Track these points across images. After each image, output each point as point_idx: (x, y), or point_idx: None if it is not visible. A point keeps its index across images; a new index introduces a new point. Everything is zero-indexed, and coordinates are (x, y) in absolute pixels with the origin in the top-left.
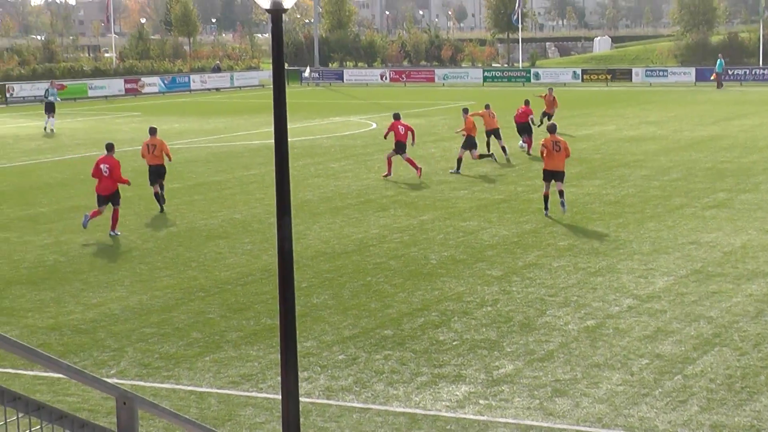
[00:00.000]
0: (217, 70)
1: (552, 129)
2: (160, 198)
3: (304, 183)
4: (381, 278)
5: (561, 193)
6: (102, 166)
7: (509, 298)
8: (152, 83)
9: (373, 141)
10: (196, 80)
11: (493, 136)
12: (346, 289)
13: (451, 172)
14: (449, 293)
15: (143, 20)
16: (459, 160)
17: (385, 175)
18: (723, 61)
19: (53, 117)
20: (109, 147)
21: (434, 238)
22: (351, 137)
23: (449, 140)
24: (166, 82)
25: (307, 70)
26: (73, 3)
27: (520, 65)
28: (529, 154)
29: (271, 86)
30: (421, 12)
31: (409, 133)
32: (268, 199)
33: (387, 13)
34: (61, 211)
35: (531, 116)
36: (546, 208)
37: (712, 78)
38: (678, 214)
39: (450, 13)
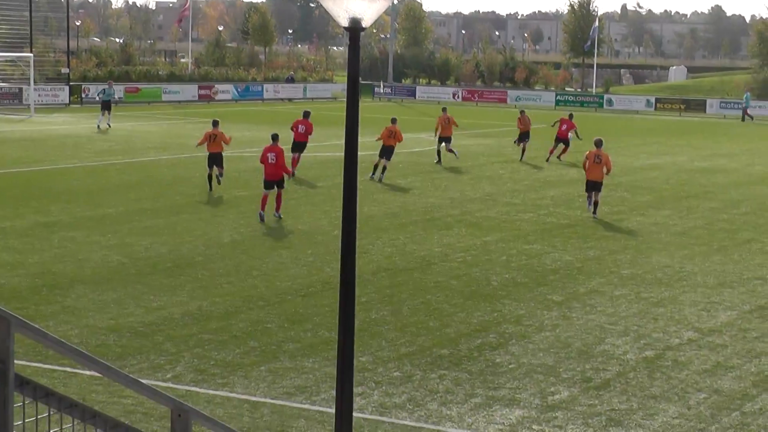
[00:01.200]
0: (291, 80)
1: (598, 143)
2: (212, 179)
3: (371, 197)
4: (441, 297)
5: (596, 203)
6: (269, 154)
7: (569, 324)
8: (226, 90)
9: (444, 159)
10: (269, 89)
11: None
12: (406, 305)
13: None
14: (508, 316)
15: (221, 28)
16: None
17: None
18: (749, 94)
19: (109, 113)
20: (275, 137)
21: (497, 260)
22: (420, 154)
23: (517, 162)
24: (239, 89)
25: (381, 85)
26: (153, 7)
27: (594, 91)
28: (559, 159)
29: (344, 99)
30: (497, 33)
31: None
32: (334, 212)
33: (463, 32)
34: (128, 213)
35: (574, 130)
36: (592, 211)
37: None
38: (745, 248)
39: (526, 35)
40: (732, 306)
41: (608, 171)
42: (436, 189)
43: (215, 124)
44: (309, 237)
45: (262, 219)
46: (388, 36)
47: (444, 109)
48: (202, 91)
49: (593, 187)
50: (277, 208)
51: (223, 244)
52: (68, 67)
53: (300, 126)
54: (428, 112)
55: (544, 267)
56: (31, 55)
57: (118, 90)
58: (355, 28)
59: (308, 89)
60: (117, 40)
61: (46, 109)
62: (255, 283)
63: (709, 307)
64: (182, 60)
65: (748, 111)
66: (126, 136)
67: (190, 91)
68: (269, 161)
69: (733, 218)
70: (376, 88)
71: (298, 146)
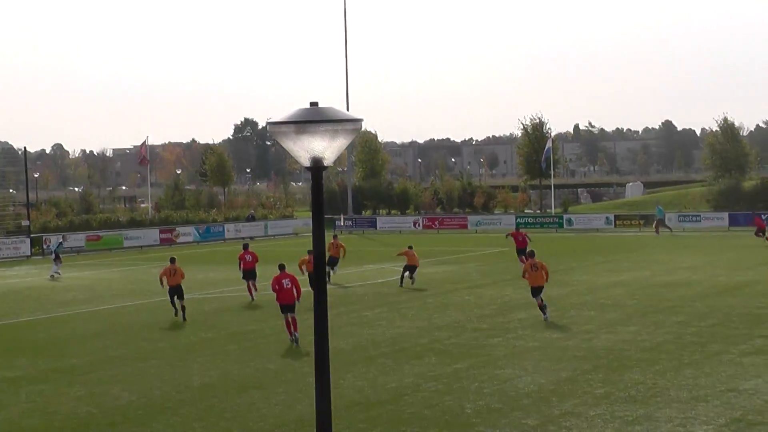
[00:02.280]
0: (252, 219)
1: (531, 254)
2: (181, 310)
3: (339, 331)
4: (416, 428)
5: (542, 307)
6: (284, 281)
7: None
8: (187, 233)
9: (406, 288)
10: (230, 229)
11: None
12: None
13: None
14: None
15: (179, 171)
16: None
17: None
18: (662, 208)
19: (59, 263)
20: (282, 267)
21: (469, 387)
22: (385, 285)
23: (483, 287)
24: (200, 231)
25: (341, 218)
26: (110, 155)
27: (552, 211)
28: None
29: (305, 234)
30: (453, 159)
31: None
32: (302, 350)
33: (419, 160)
34: (96, 362)
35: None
36: (543, 314)
37: (654, 226)
38: (716, 360)
39: (482, 160)
40: (707, 420)
41: (546, 275)
42: (403, 318)
43: (173, 260)
44: (279, 375)
45: (296, 341)
46: (346, 169)
47: (410, 247)
48: (164, 235)
49: (538, 291)
50: (295, 329)
51: (193, 387)
52: (28, 219)
53: (247, 256)
54: (390, 242)
55: (517, 391)
56: None
57: (79, 239)
58: (317, 167)
59: (269, 226)
60: (76, 189)
61: (7, 262)
62: (227, 426)
63: (685, 422)
64: (142, 205)
65: (664, 223)
66: (89, 284)
67: (152, 235)
68: (285, 286)
69: (702, 330)
70: (336, 222)
71: (249, 274)
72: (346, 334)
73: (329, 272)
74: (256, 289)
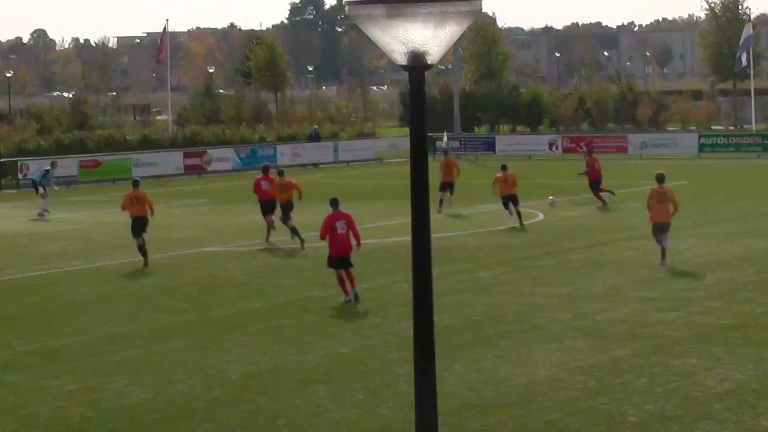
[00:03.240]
0: (315, 138)
1: (659, 179)
2: (144, 251)
3: (442, 300)
4: None
5: (663, 250)
6: (337, 223)
7: None
8: (223, 157)
9: (540, 239)
10: (285, 153)
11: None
12: None
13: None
14: None
15: (211, 69)
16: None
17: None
18: None
19: (43, 199)
20: (335, 202)
21: (633, 384)
22: (508, 234)
23: (651, 237)
24: (242, 155)
25: (444, 137)
26: (114, 46)
27: (753, 128)
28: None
29: (394, 160)
30: (606, 53)
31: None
32: (387, 325)
33: (557, 55)
34: (92, 342)
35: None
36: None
37: None
38: None
39: (648, 54)
40: None
41: (675, 209)
42: (534, 283)
43: (136, 184)
44: (355, 364)
45: (356, 298)
46: (451, 67)
47: (504, 168)
48: (190, 160)
49: (660, 230)
50: (353, 285)
51: (231, 380)
52: None
53: (263, 183)
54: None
55: (704, 391)
56: None
57: (69, 165)
58: (417, 66)
59: (341, 149)
60: (65, 94)
61: None
62: None
63: None
64: (159, 118)
65: None
66: (84, 231)
67: (173, 160)
68: (338, 231)
69: None
70: (438, 143)
71: (267, 207)
72: (452, 305)
73: (443, 201)
74: (273, 227)
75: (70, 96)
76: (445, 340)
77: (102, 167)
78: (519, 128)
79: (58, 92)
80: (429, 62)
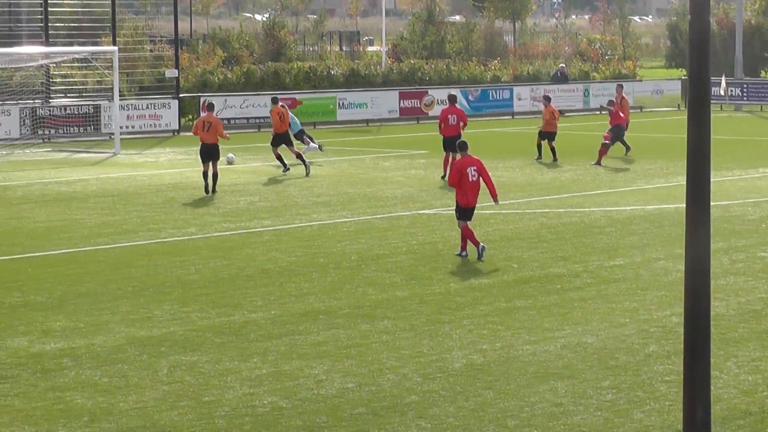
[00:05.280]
0: (561, 79)
1: None
2: (207, 180)
3: (714, 284)
4: None
5: None
6: (469, 169)
7: None
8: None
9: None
10: (523, 95)
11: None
12: None
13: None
14: None
15: None
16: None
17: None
18: None
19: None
20: (463, 146)
21: None
22: None
23: None
24: (470, 97)
25: (722, 82)
26: None
27: None
28: None
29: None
30: None
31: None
32: (644, 312)
33: None
34: (286, 319)
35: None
36: None
37: None
38: None
39: None
40: None
41: None
42: None
43: (210, 107)
44: (603, 358)
45: (481, 253)
46: None
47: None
48: (406, 102)
49: None
50: (475, 243)
51: (451, 372)
52: (176, 67)
53: (450, 117)
54: None
55: None
56: (115, 48)
57: (263, 103)
58: None
59: (592, 92)
60: (257, 17)
61: (139, 140)
62: None
63: None
64: (371, 49)
65: None
66: (275, 184)
67: (386, 101)
68: (469, 178)
69: None
70: (715, 89)
71: (450, 143)
72: (726, 290)
73: None
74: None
75: (263, 19)
76: (715, 332)
77: (300, 107)
78: None
79: (248, 14)
80: None
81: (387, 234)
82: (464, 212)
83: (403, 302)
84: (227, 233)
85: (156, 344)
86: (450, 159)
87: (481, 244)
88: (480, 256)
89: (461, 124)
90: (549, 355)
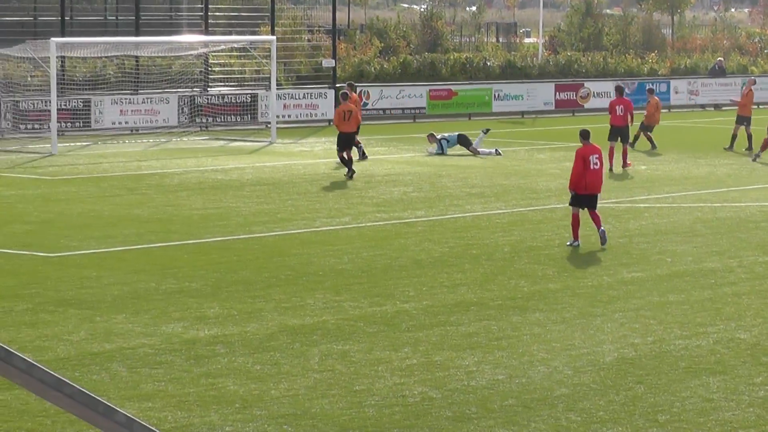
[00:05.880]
0: (719, 72)
1: None
2: (348, 162)
3: None
4: None
5: None
6: (592, 157)
7: None
8: (603, 92)
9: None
10: (680, 88)
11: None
12: None
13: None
14: None
15: None
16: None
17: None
18: None
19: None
20: (585, 134)
21: None
22: None
23: None
24: (628, 91)
25: None
26: None
27: None
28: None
29: None
30: None
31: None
32: None
33: None
34: (438, 309)
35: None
36: None
37: None
38: None
39: None
40: None
41: None
42: None
43: (345, 97)
44: (756, 354)
45: (603, 239)
46: None
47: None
48: (562, 94)
49: None
50: (599, 224)
51: (602, 365)
52: (333, 57)
53: (618, 107)
54: None
55: None
56: (273, 38)
57: (420, 93)
58: None
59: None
60: (415, 8)
61: (296, 129)
62: None
63: None
64: (527, 41)
65: None
66: (430, 174)
67: (542, 93)
68: (591, 166)
69: None
70: None
71: (616, 133)
72: None
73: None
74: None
75: (421, 10)
76: None
77: (456, 98)
78: None
79: (406, 4)
80: None
81: (540, 226)
82: (582, 199)
83: (555, 294)
84: (381, 223)
85: (308, 333)
86: (613, 150)
87: (577, 241)
88: (574, 246)
89: (629, 115)
90: (701, 350)
